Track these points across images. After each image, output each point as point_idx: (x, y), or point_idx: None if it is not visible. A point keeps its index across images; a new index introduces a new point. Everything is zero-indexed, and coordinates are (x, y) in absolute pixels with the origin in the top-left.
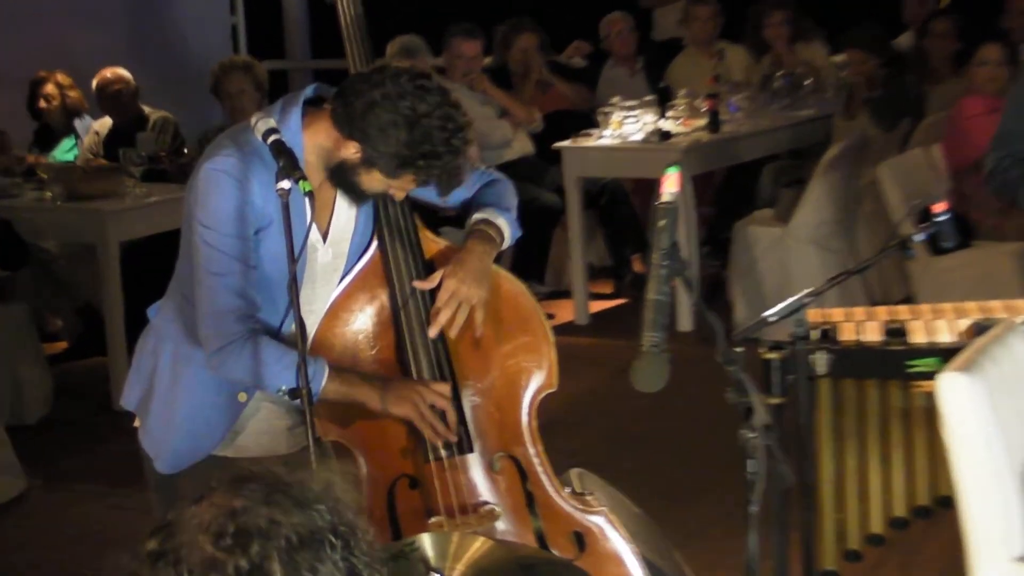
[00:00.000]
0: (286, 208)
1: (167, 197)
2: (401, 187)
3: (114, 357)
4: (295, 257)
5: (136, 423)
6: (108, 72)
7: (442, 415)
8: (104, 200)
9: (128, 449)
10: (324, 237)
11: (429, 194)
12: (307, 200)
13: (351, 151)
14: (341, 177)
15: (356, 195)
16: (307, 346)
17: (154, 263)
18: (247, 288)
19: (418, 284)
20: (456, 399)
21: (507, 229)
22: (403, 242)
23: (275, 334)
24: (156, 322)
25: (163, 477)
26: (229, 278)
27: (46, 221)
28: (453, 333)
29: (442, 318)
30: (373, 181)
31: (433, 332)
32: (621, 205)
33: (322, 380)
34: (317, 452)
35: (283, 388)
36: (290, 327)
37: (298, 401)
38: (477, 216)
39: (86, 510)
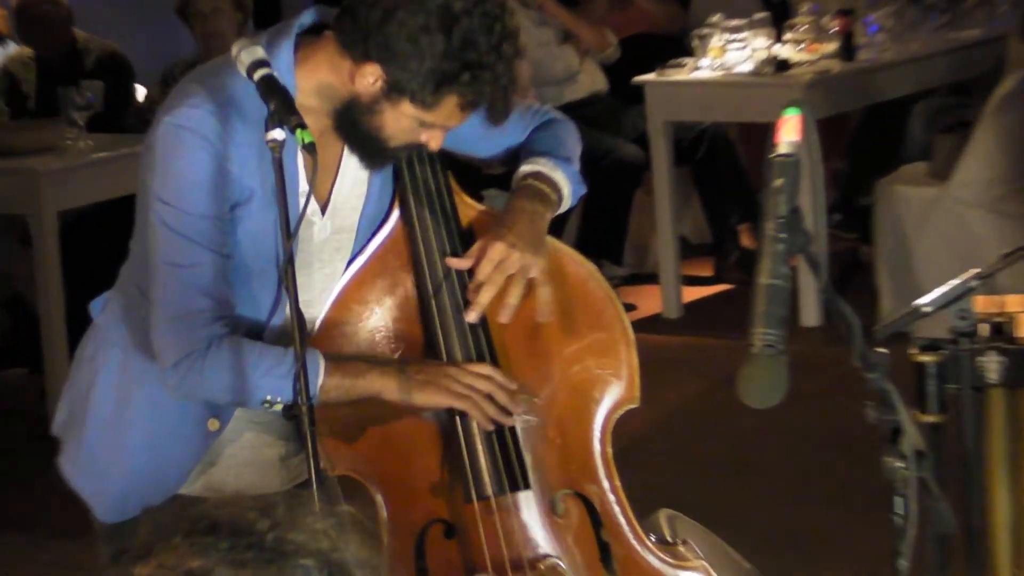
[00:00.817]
0: (279, 167)
1: (120, 153)
2: (439, 123)
3: (52, 366)
4: (291, 232)
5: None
6: None
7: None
8: (37, 157)
9: (71, 488)
10: (323, 207)
11: (466, 142)
12: (303, 156)
13: (368, 79)
14: (353, 123)
15: (373, 150)
16: (303, 365)
17: (104, 241)
18: (219, 283)
19: (453, 262)
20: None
21: (567, 185)
22: (434, 208)
23: (257, 338)
24: (100, 321)
25: (111, 525)
26: (195, 271)
27: None
28: (503, 318)
29: (484, 296)
30: (401, 119)
31: (473, 316)
32: (723, 159)
33: (318, 376)
34: (321, 491)
35: (269, 400)
36: (277, 327)
37: (294, 420)
38: (526, 168)
39: (17, 569)
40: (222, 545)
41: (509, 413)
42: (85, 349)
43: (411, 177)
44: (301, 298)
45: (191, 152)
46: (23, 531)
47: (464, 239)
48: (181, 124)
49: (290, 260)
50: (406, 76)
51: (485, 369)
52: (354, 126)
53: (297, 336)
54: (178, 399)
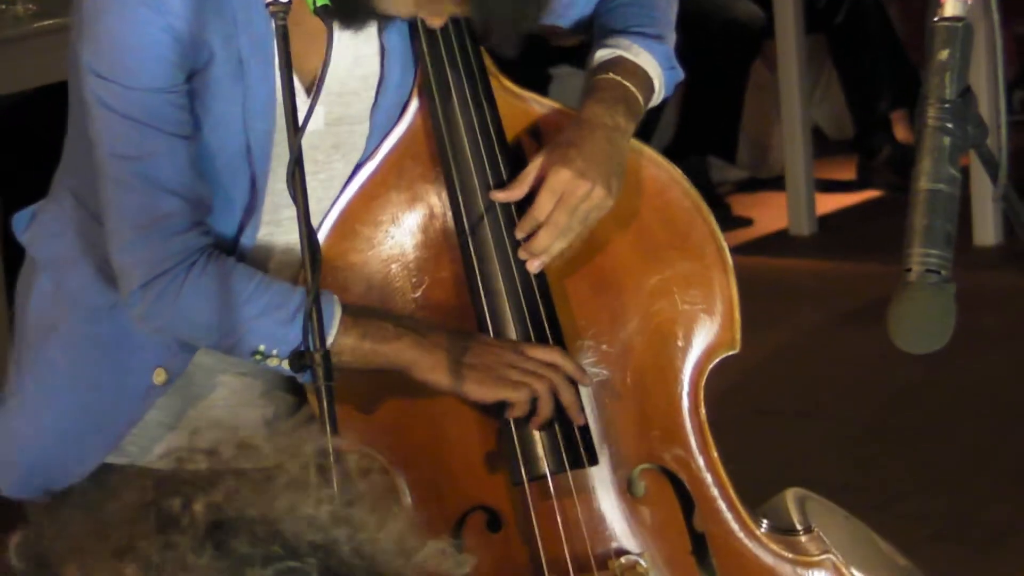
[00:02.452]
0: (284, 36)
1: (71, 22)
2: None
3: None
4: (297, 125)
5: None
6: None
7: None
8: None
9: None
10: (309, 88)
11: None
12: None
13: None
14: None
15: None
16: (316, 300)
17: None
18: (185, 176)
19: (497, 195)
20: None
21: (658, 74)
22: (464, 99)
23: (230, 253)
24: (29, 239)
25: (7, 506)
26: (152, 162)
27: None
28: (564, 264)
29: (542, 241)
30: None
31: (534, 265)
32: (871, 24)
33: (331, 329)
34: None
35: (263, 350)
36: (251, 243)
37: (301, 374)
38: (602, 53)
39: None
40: (187, 537)
41: (576, 414)
42: (21, 279)
43: (432, 54)
44: (287, 214)
45: (126, 7)
46: None
47: (511, 151)
48: None
49: (298, 161)
50: None
51: (553, 355)
52: None
53: (309, 263)
54: (118, 336)
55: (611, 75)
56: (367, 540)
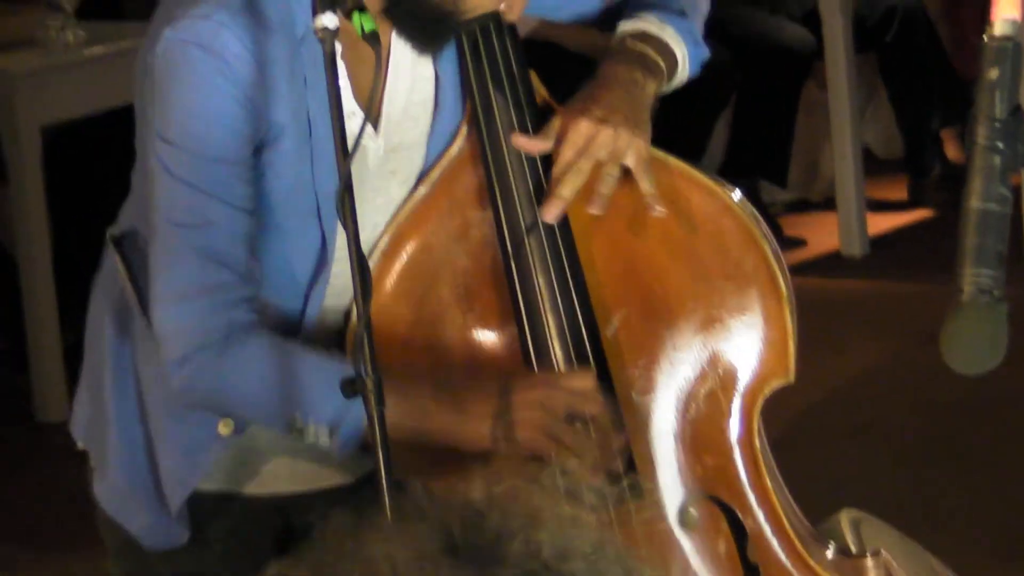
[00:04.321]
0: (332, 62)
1: (121, 48)
2: None
3: (36, 331)
4: (347, 150)
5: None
6: None
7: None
8: (11, 54)
9: (60, 484)
10: (373, 119)
11: (546, 5)
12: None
13: None
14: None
15: (438, 25)
16: (367, 326)
17: (100, 166)
18: (239, 250)
19: (522, 141)
20: (610, 396)
21: (680, 46)
22: (510, 125)
23: (295, 327)
24: (107, 262)
25: (127, 541)
26: (207, 232)
27: None
28: (596, 209)
29: (567, 188)
30: None
31: (551, 213)
32: (921, 44)
33: (358, 421)
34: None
35: (299, 426)
36: (316, 314)
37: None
38: (625, 27)
39: None
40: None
41: (615, 453)
42: (91, 306)
43: (479, 81)
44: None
45: (202, 77)
46: (13, 541)
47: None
48: (187, 40)
49: (348, 188)
50: None
51: (584, 382)
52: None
53: (361, 290)
54: (183, 404)
55: (631, 42)
56: (601, 560)
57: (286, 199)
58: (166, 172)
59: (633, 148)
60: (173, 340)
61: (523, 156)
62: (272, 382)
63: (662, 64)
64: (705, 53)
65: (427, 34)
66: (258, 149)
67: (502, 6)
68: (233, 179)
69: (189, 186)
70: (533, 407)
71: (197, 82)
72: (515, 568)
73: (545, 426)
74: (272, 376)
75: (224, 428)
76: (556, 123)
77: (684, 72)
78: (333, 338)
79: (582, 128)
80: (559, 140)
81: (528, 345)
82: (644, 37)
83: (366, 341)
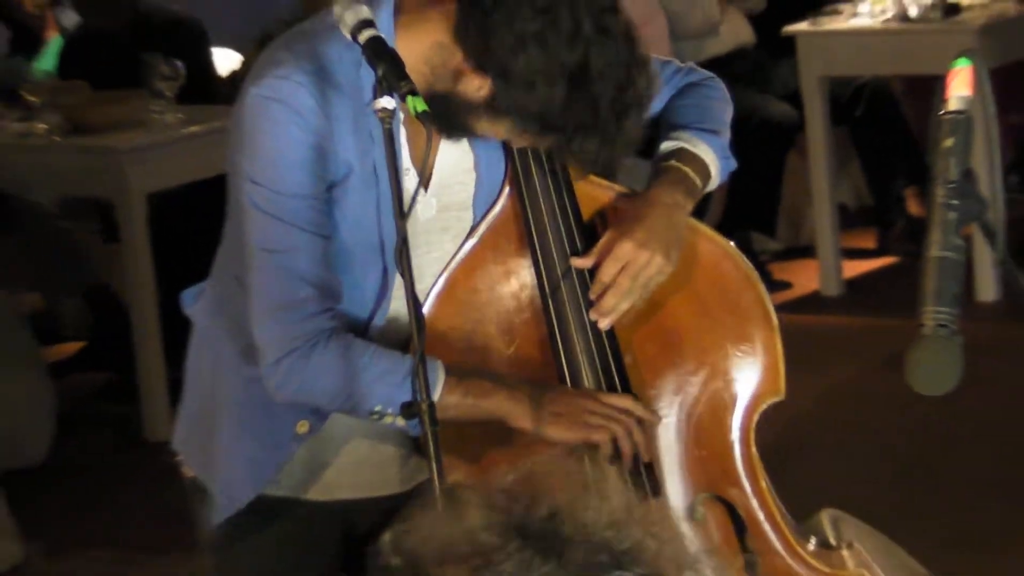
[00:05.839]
0: (390, 139)
1: (213, 126)
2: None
3: (146, 367)
4: (403, 211)
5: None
6: None
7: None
8: (122, 133)
9: (163, 498)
10: (426, 183)
11: None
12: (405, 129)
13: (475, 87)
14: (445, 112)
15: (459, 133)
16: (422, 358)
17: (197, 226)
18: (320, 269)
19: (576, 262)
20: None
21: (714, 163)
22: (547, 188)
23: (361, 334)
24: (193, 313)
25: (221, 536)
26: (293, 256)
27: (38, 165)
28: (633, 325)
29: (609, 302)
30: (498, 130)
31: (604, 323)
32: (886, 117)
33: (436, 389)
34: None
35: (379, 410)
36: (382, 323)
37: (410, 424)
38: (667, 145)
39: None
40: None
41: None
42: (190, 350)
43: (519, 152)
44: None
45: (281, 127)
46: (112, 546)
47: (587, 228)
48: (269, 96)
49: (404, 241)
50: (514, 107)
51: (625, 402)
52: (445, 115)
53: (416, 328)
54: (281, 400)
55: (673, 162)
56: (658, 551)
57: (353, 229)
58: (255, 208)
59: (664, 273)
60: (268, 347)
61: (558, 216)
62: (350, 379)
63: (699, 183)
64: (732, 165)
65: (453, 132)
66: (330, 186)
67: (511, 141)
68: (310, 210)
69: (274, 218)
70: (571, 402)
71: (277, 131)
72: (579, 545)
73: (582, 419)
74: (350, 374)
75: (301, 427)
76: (604, 240)
77: (716, 182)
78: (402, 336)
79: (626, 248)
80: (604, 254)
81: (564, 371)
82: (684, 157)
83: (421, 372)
